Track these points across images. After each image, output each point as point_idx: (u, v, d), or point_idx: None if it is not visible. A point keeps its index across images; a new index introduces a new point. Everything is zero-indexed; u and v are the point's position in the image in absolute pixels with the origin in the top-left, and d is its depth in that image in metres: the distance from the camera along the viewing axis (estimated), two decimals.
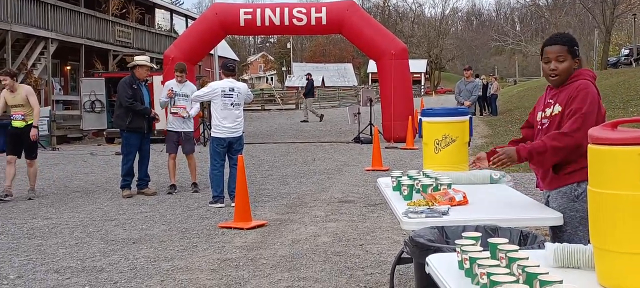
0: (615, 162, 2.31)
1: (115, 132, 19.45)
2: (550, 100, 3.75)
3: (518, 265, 2.38)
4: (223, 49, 45.39)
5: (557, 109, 3.67)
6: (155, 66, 23.99)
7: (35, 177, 10.42)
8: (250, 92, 9.69)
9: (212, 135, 9.07)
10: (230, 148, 8.91)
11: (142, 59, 10.22)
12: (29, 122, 9.98)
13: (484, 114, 28.59)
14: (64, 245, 7.00)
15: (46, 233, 7.61)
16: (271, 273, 5.78)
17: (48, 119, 20.04)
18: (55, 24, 24.34)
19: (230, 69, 9.19)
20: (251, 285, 5.45)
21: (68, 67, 28.80)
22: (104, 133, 20.82)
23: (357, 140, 17.77)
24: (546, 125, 3.75)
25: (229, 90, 8.85)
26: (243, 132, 9.16)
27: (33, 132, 9.92)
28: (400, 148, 15.96)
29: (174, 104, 10.05)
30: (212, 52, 24.47)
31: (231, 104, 8.84)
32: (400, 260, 5.14)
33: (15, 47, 22.51)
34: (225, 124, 8.79)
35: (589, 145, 2.44)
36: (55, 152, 17.79)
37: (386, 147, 15.82)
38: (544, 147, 3.61)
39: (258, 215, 8.22)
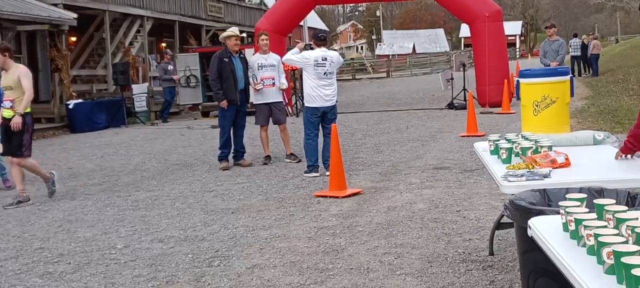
0: None
1: (210, 105, 19.95)
2: None
3: (627, 225, 2.28)
4: (312, 20, 45.55)
5: None
6: (247, 38, 24.33)
7: (38, 172, 8.72)
8: (341, 58, 9.67)
9: (305, 104, 9.11)
10: (323, 117, 8.93)
11: (230, 30, 10.35)
12: (24, 112, 8.32)
13: (583, 75, 27.59)
14: (166, 215, 7.23)
15: (149, 204, 7.88)
16: (368, 240, 5.79)
17: (146, 95, 20.69)
18: (150, 2, 24.99)
19: (321, 39, 9.18)
20: (348, 252, 5.47)
21: (163, 44, 29.58)
22: (200, 107, 21.31)
23: (451, 106, 17.49)
24: None
25: (322, 60, 8.86)
26: (336, 101, 9.16)
27: (15, 120, 8.19)
28: (496, 113, 15.61)
29: (257, 79, 10.13)
30: (302, 23, 24.58)
31: (324, 73, 8.84)
32: (499, 225, 5.06)
33: (113, 26, 23.26)
34: (319, 93, 8.81)
35: None
36: (154, 127, 18.38)
37: (481, 113, 15.51)
38: None
39: (353, 183, 8.23)
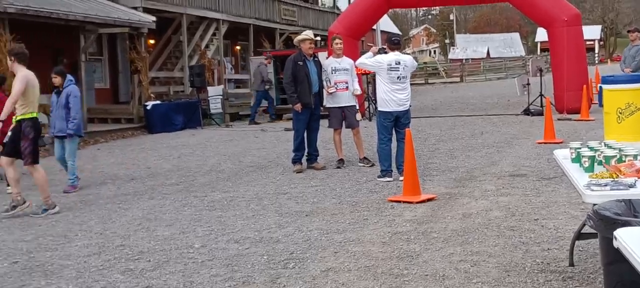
0: None
1: (283, 108, 20.13)
2: None
3: None
4: (385, 24, 45.46)
5: None
6: (320, 41, 24.46)
7: (42, 190, 8.21)
8: (415, 62, 9.61)
9: (378, 109, 9.10)
10: (397, 122, 8.90)
11: (304, 34, 10.43)
12: (20, 117, 8.02)
13: None
14: (241, 216, 7.34)
15: (225, 205, 8.02)
16: (443, 246, 5.74)
17: (221, 97, 21.05)
18: (226, 6, 25.42)
19: (395, 43, 9.17)
20: (423, 258, 5.44)
21: (238, 47, 30.05)
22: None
23: (527, 112, 17.14)
24: None
25: (395, 64, 8.83)
26: (410, 106, 9.12)
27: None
28: (574, 120, 15.22)
29: (330, 82, 10.17)
30: (374, 27, 24.56)
31: (397, 77, 8.81)
32: (580, 235, 4.94)
33: (190, 29, 23.77)
34: (392, 97, 8.79)
35: None
36: (229, 129, 18.68)
37: (558, 119, 15.14)
38: None
39: (427, 189, 8.18)
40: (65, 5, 17.11)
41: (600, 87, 5.07)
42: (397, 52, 9.05)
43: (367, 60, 9.15)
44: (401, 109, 8.86)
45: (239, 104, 23.64)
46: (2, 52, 14.02)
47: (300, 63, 10.13)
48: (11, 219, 7.93)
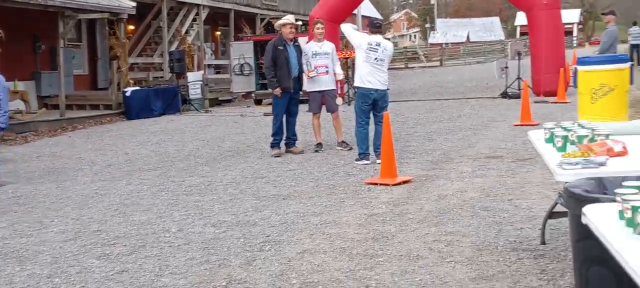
0: None
1: (263, 93, 20.07)
2: None
3: None
4: (367, 8, 45.36)
5: None
6: (301, 26, 24.34)
7: None
8: (392, 51, 9.62)
9: (357, 86, 9.07)
10: (375, 105, 8.92)
11: (285, 18, 10.42)
12: None
13: None
14: (219, 201, 7.33)
15: (202, 190, 8.00)
16: (418, 227, 5.77)
17: (201, 83, 20.93)
18: None
19: (376, 26, 9.19)
20: (398, 238, 5.47)
21: (218, 33, 29.88)
22: (253, 95, 21.47)
23: (505, 95, 17.24)
24: None
25: (375, 44, 8.84)
26: (388, 89, 9.13)
27: None
28: (551, 102, 15.32)
29: (310, 66, 10.16)
30: (355, 11, 24.53)
31: (375, 59, 8.82)
32: (552, 214, 4.99)
33: (170, 15, 23.58)
34: (369, 78, 8.80)
35: None
36: (208, 115, 18.60)
37: (535, 102, 15.22)
38: None
39: (403, 171, 8.21)
40: None
41: (575, 68, 5.09)
42: (378, 35, 9.06)
43: (352, 30, 9.29)
44: (380, 87, 8.85)
45: (219, 89, 23.53)
46: None
47: (281, 47, 10.11)
48: None
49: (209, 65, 26.72)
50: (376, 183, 7.62)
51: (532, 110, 12.63)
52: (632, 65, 5.05)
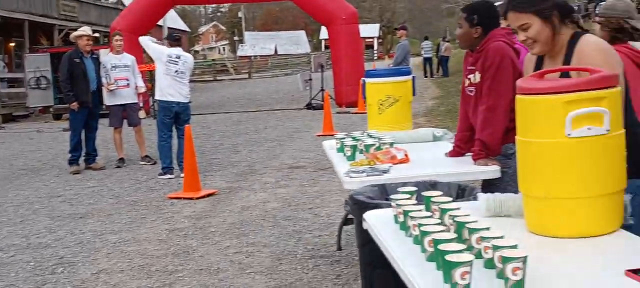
0: (541, 110, 2.34)
1: (62, 107, 19.09)
2: (472, 67, 3.83)
3: (449, 215, 2.41)
4: (173, 20, 44.78)
5: (478, 77, 3.75)
6: (102, 38, 23.50)
7: None
8: (193, 62, 9.52)
9: (158, 99, 8.90)
10: (177, 119, 8.81)
11: (81, 30, 10.03)
12: None
13: (435, 76, 28.81)
14: (8, 223, 6.86)
15: None
16: (220, 240, 5.77)
17: None
18: None
19: (175, 39, 9.11)
20: (199, 253, 5.43)
21: (12, 44, 28.05)
22: (51, 109, 20.39)
23: (309, 106, 17.75)
24: (473, 93, 3.82)
25: (175, 57, 8.75)
26: (190, 102, 9.05)
27: None
28: (352, 113, 15.99)
29: (110, 79, 9.86)
30: (160, 23, 24.09)
31: (175, 71, 8.72)
32: (347, 221, 5.19)
33: None
34: (170, 91, 8.69)
35: (517, 96, 2.47)
36: (1, 131, 17.39)
37: (337, 112, 15.84)
38: (485, 144, 3.68)
39: (208, 184, 8.17)
40: None
41: (363, 81, 5.35)
42: (178, 49, 8.96)
43: (150, 42, 9.11)
44: (181, 100, 8.75)
45: (13, 104, 22.07)
46: None
47: (77, 60, 9.69)
48: None
49: (2, 79, 24.99)
50: (179, 198, 7.52)
51: (335, 120, 13.12)
52: (414, 77, 5.39)
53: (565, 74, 2.66)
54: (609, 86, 2.30)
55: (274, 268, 4.95)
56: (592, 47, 2.68)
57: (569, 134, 2.26)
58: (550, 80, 2.53)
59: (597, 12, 4.27)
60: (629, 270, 1.98)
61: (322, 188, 7.66)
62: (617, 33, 4.06)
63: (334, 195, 7.21)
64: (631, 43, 4.05)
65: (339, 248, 5.25)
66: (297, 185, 7.90)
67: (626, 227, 2.48)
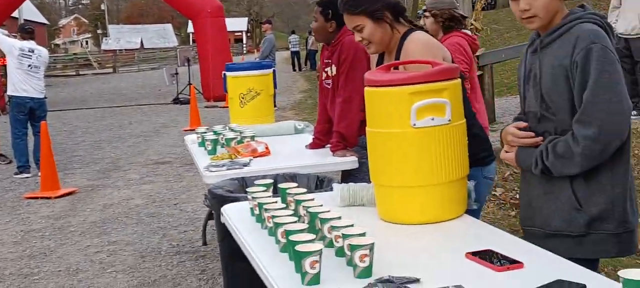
0: (387, 102, 2.43)
1: None
2: (328, 60, 3.91)
3: (303, 206, 2.45)
4: (31, 13, 42.68)
5: (334, 69, 3.84)
6: None
7: None
8: (48, 57, 9.09)
9: (11, 95, 8.47)
10: (32, 115, 8.42)
11: None
12: None
13: (303, 69, 29.12)
14: None
15: None
16: (80, 240, 5.58)
17: None
18: None
19: (28, 31, 8.68)
20: (57, 254, 5.23)
21: None
22: None
23: (176, 101, 17.45)
24: (330, 86, 3.90)
25: (28, 51, 8.35)
26: (45, 98, 8.67)
27: None
28: (220, 107, 15.87)
29: None
30: (16, 15, 22.94)
31: (28, 66, 8.33)
32: (211, 215, 5.16)
33: None
34: (23, 86, 8.29)
35: (365, 88, 2.55)
36: None
37: (205, 107, 15.68)
38: (342, 135, 3.76)
39: (68, 182, 7.88)
40: None
41: (224, 74, 5.32)
42: (31, 42, 8.55)
43: (1, 36, 8.67)
44: (36, 95, 8.37)
45: None
46: None
47: None
48: None
49: None
50: (36, 197, 7.20)
51: (202, 115, 12.98)
52: (275, 70, 5.42)
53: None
54: (450, 78, 2.43)
55: (137, 266, 4.85)
56: (415, 44, 2.79)
57: (414, 124, 2.36)
58: (396, 72, 2.64)
59: (425, 7, 4.53)
60: (469, 253, 2.10)
61: (189, 183, 7.58)
62: (451, 22, 4.36)
63: (200, 191, 7.14)
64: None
65: (205, 243, 5.22)
66: (163, 181, 7.77)
67: (470, 211, 2.63)
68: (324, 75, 3.97)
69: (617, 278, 1.64)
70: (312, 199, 2.55)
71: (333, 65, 3.84)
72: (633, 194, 2.36)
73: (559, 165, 2.26)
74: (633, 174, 2.41)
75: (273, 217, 2.35)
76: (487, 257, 2.06)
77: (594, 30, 2.24)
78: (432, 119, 2.36)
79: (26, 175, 8.38)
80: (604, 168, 2.27)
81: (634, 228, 2.34)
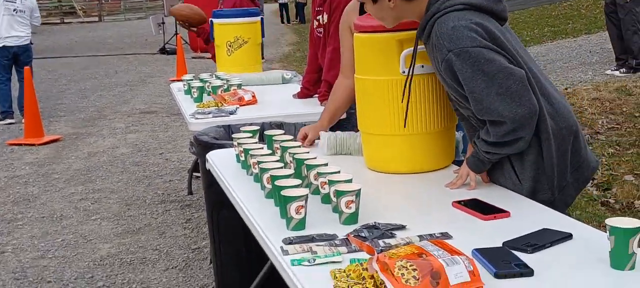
0: (377, 48, 2.39)
1: None
2: (319, 8, 3.81)
3: (289, 153, 2.42)
4: None
5: (325, 18, 3.76)
6: None
7: None
8: (38, 15, 8.89)
9: None
10: (16, 60, 8.30)
11: None
12: None
13: (292, 22, 28.87)
14: None
15: None
16: (64, 187, 5.55)
17: None
18: None
19: None
20: (41, 200, 5.20)
21: None
22: None
23: (163, 50, 17.27)
24: (322, 35, 3.81)
25: None
26: (31, 43, 8.54)
27: None
28: (207, 58, 15.69)
29: None
30: None
31: (14, 10, 8.18)
32: (197, 165, 5.13)
33: None
34: (8, 31, 8.15)
35: (355, 34, 2.50)
36: None
37: (193, 57, 15.54)
38: (331, 84, 3.65)
39: (52, 130, 7.81)
40: None
41: (211, 21, 5.24)
42: None
43: None
44: (20, 42, 8.24)
45: None
46: None
47: None
48: None
49: None
50: (21, 144, 7.15)
51: (189, 65, 12.85)
52: (263, 18, 5.34)
53: None
54: None
55: (122, 214, 4.83)
56: None
57: (403, 72, 2.32)
58: None
59: None
60: (455, 202, 2.09)
61: (175, 133, 7.53)
62: None
63: (186, 141, 7.10)
64: None
65: (190, 193, 5.20)
66: (149, 131, 7.71)
67: (458, 162, 2.61)
68: (315, 23, 3.90)
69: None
70: (299, 146, 2.52)
71: (325, 13, 3.76)
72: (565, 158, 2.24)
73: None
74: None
75: (259, 162, 2.32)
76: (473, 205, 2.05)
77: (447, 30, 2.08)
78: (422, 67, 2.32)
79: (10, 121, 8.30)
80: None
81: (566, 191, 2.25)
